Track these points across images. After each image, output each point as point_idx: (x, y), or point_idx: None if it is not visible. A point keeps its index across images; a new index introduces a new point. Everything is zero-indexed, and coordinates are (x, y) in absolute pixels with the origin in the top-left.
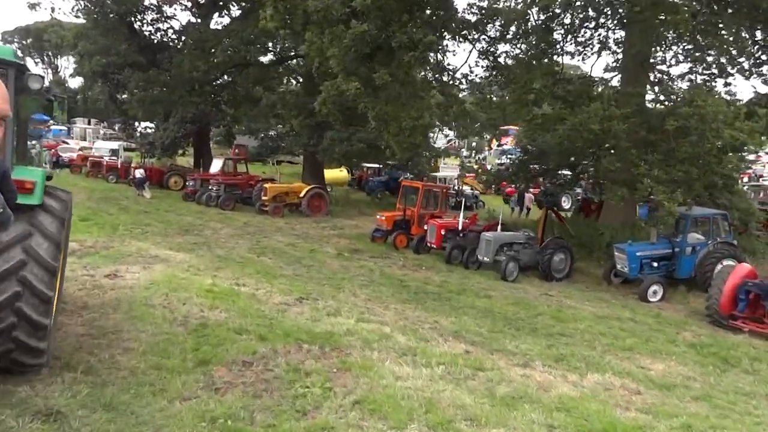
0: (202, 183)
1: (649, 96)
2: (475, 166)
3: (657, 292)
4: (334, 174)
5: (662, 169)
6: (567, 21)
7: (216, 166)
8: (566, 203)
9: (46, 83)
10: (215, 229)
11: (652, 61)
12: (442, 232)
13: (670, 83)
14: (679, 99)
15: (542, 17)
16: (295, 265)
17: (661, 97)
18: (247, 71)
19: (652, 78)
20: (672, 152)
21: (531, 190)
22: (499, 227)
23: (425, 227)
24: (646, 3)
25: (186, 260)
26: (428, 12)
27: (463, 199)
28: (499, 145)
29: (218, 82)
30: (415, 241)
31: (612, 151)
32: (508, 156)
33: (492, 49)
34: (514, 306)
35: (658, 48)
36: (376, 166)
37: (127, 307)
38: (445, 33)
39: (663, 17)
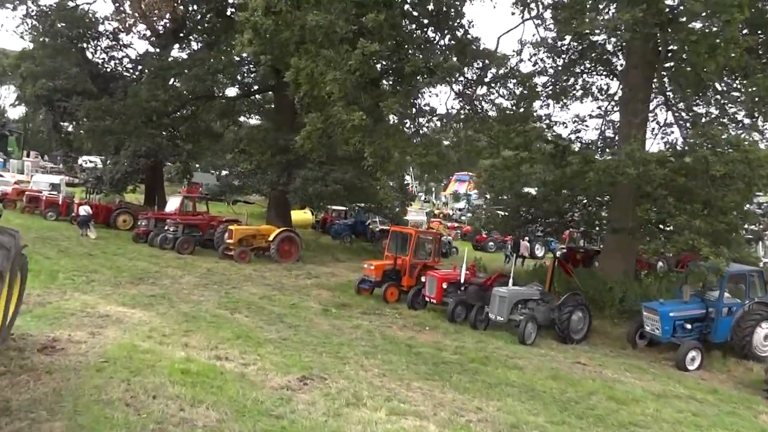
0: (157, 223)
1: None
2: (436, 211)
3: (695, 359)
4: (298, 216)
5: (703, 219)
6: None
7: (173, 204)
8: (539, 251)
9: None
10: (174, 278)
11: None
12: (444, 286)
13: (709, 126)
14: (721, 143)
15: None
16: (277, 324)
17: (696, 141)
18: (211, 104)
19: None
20: (710, 202)
21: (503, 238)
22: (510, 281)
23: (422, 279)
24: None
25: (145, 320)
26: (447, 34)
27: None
28: (465, 193)
29: (177, 114)
30: (410, 296)
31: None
32: (471, 202)
33: (468, 92)
34: (554, 381)
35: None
36: (342, 208)
37: (70, 408)
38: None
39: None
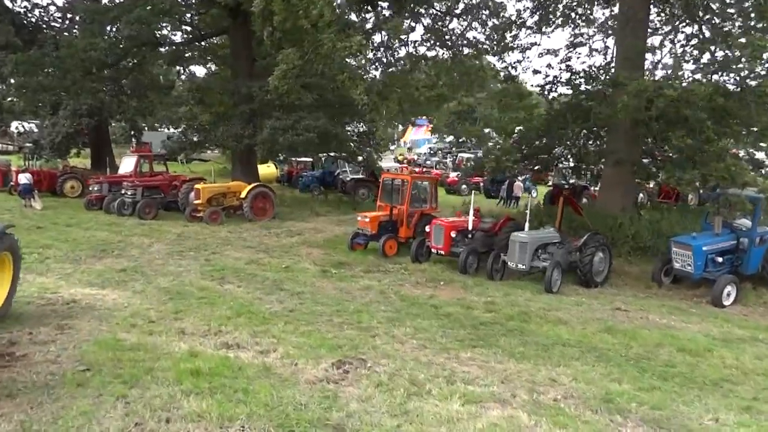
0: (111, 187)
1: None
2: (400, 157)
3: (731, 294)
4: (261, 170)
5: (748, 143)
6: None
7: (127, 165)
8: (518, 191)
9: None
10: (142, 247)
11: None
12: (453, 235)
13: (750, 37)
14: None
15: None
16: (277, 293)
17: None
18: (157, 52)
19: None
20: (752, 125)
21: (475, 178)
22: (527, 225)
23: (426, 229)
24: None
25: (122, 303)
26: None
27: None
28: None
29: (119, 65)
30: (414, 248)
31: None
32: (431, 148)
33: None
34: (610, 335)
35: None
36: (308, 160)
37: None
38: None
39: None
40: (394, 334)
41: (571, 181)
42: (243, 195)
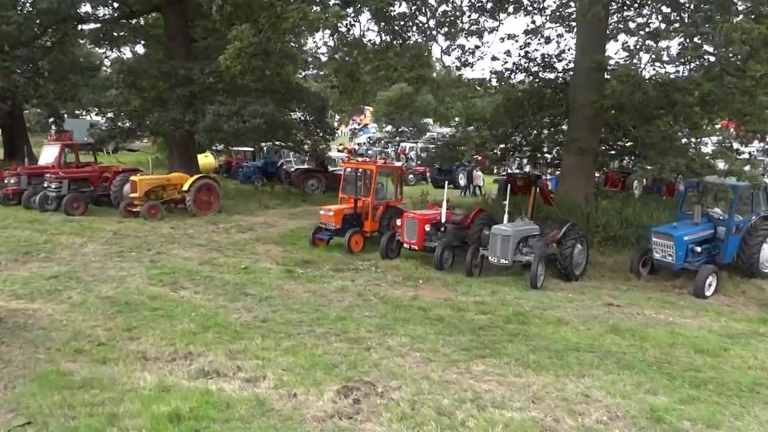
0: (31, 179)
1: None
2: (340, 147)
3: (711, 285)
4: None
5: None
6: None
7: (49, 155)
8: (462, 180)
9: None
10: (74, 248)
11: None
12: (427, 229)
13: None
14: None
15: None
16: (242, 299)
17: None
18: (80, 30)
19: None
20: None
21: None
22: (506, 217)
23: (398, 222)
24: None
25: (59, 320)
26: None
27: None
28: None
29: (36, 44)
30: (383, 243)
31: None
32: (370, 137)
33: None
34: (619, 337)
35: None
36: (249, 149)
37: None
38: None
39: None
40: (390, 346)
41: (526, 169)
42: (185, 187)
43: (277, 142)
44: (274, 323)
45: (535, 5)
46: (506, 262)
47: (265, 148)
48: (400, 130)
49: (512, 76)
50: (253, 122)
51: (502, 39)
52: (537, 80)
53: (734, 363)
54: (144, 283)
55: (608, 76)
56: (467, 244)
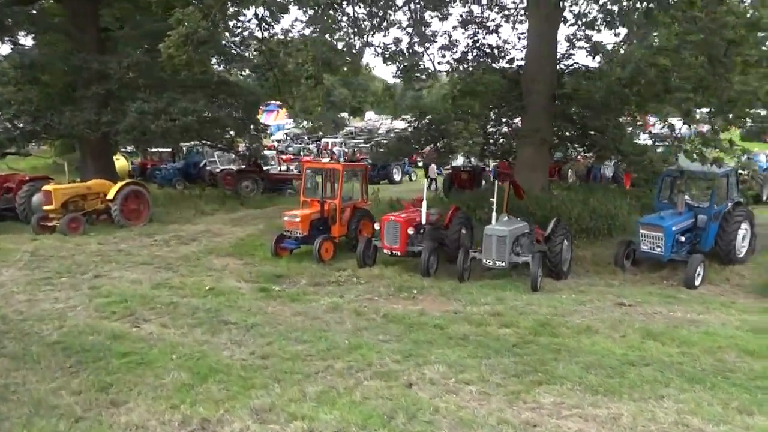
0: None
1: None
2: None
3: (700, 274)
4: None
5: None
6: None
7: None
8: (396, 175)
9: None
10: None
11: None
12: (410, 232)
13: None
14: None
15: None
16: (226, 331)
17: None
18: None
19: None
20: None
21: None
22: (493, 216)
23: (376, 226)
24: None
25: (6, 385)
26: None
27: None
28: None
29: None
30: (360, 250)
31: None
32: (286, 134)
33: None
34: (657, 342)
35: None
36: (166, 150)
37: None
38: None
39: None
40: (431, 378)
41: (472, 163)
42: (110, 195)
43: (204, 141)
44: (279, 359)
45: None
46: (503, 264)
47: (185, 148)
48: (317, 125)
49: (461, 67)
50: (184, 120)
51: (455, 27)
52: (486, 70)
53: None
54: (93, 318)
55: (561, 66)
56: (446, 245)
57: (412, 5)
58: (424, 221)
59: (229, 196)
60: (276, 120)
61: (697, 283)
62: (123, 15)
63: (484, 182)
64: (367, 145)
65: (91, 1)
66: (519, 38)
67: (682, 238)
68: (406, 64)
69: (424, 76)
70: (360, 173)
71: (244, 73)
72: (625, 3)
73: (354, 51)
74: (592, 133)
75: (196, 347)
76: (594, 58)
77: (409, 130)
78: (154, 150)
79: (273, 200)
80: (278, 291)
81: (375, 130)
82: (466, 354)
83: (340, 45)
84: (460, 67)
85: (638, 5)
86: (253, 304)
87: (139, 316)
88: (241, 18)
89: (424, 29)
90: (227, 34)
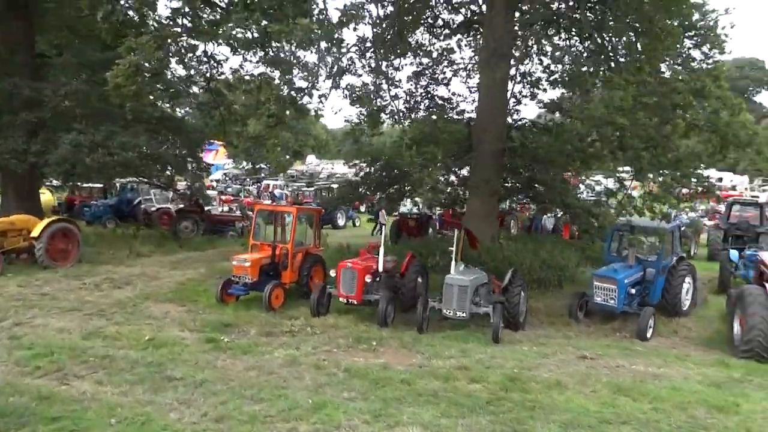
0: None
1: None
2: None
3: (651, 327)
4: None
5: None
6: None
7: None
8: (341, 220)
9: None
10: None
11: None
12: (367, 280)
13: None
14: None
15: None
16: (171, 389)
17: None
18: None
19: None
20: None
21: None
22: (453, 264)
23: (332, 273)
24: None
25: None
26: None
27: None
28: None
29: None
30: (314, 299)
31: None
32: (225, 174)
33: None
34: (628, 398)
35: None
36: (97, 185)
37: None
38: None
39: None
40: None
41: (417, 210)
42: (35, 233)
43: (141, 178)
44: (235, 422)
45: (420, 50)
46: (464, 315)
47: (118, 185)
48: (258, 167)
49: (412, 116)
50: (124, 155)
51: (409, 78)
52: (446, 120)
53: (757, 422)
54: (14, 375)
55: (510, 120)
56: (402, 293)
57: (368, 54)
58: (381, 269)
59: (167, 236)
60: (215, 159)
61: (648, 335)
62: (62, 42)
63: (431, 230)
64: (311, 189)
65: (24, 23)
66: (470, 90)
67: (633, 291)
68: (375, 108)
69: (390, 121)
70: (313, 217)
71: (187, 110)
72: (567, 66)
73: (317, 91)
74: (537, 186)
75: (138, 408)
76: (554, 113)
77: (360, 174)
78: (84, 185)
79: (214, 243)
80: (227, 342)
81: (316, 174)
82: (440, 413)
83: (303, 84)
84: (412, 116)
85: (584, 68)
86: (200, 357)
87: (68, 372)
88: (194, 53)
89: (382, 78)
90: (181, 66)
